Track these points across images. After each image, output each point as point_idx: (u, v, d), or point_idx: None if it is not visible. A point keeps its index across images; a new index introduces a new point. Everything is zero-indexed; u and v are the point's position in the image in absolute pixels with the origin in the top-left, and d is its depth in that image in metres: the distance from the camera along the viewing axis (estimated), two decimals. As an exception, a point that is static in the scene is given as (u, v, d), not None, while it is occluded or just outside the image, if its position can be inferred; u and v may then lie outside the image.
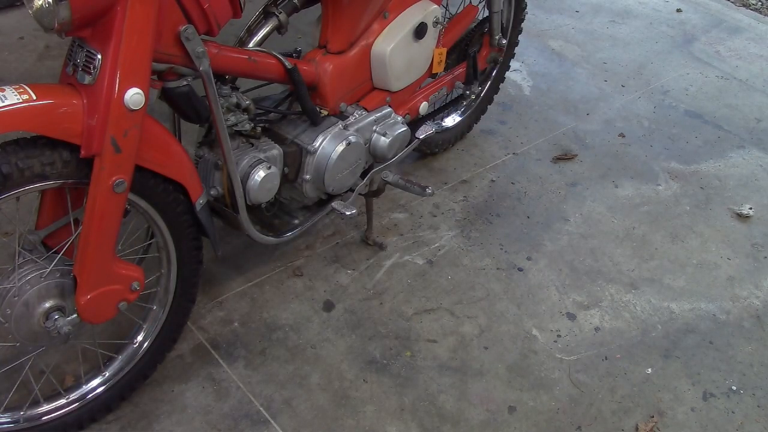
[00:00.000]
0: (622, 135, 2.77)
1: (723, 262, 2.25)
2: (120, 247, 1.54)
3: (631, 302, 2.09)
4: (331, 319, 1.97)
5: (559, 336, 1.98)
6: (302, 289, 2.04)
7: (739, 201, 2.48)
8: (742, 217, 2.42)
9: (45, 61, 2.79)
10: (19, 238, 1.50)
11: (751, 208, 2.44)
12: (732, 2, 3.91)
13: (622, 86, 3.05)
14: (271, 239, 1.87)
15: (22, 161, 1.31)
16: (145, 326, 1.70)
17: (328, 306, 2.00)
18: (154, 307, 1.70)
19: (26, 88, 1.31)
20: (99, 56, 1.32)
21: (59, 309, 1.47)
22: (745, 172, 2.63)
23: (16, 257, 1.46)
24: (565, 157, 2.63)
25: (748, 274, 2.22)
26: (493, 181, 2.49)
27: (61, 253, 1.47)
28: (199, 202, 1.58)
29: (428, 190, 2.06)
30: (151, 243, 1.66)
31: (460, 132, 2.59)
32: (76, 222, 1.48)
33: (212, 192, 1.72)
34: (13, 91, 1.30)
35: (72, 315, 1.48)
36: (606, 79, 3.09)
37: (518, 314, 2.03)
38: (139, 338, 1.70)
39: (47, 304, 1.46)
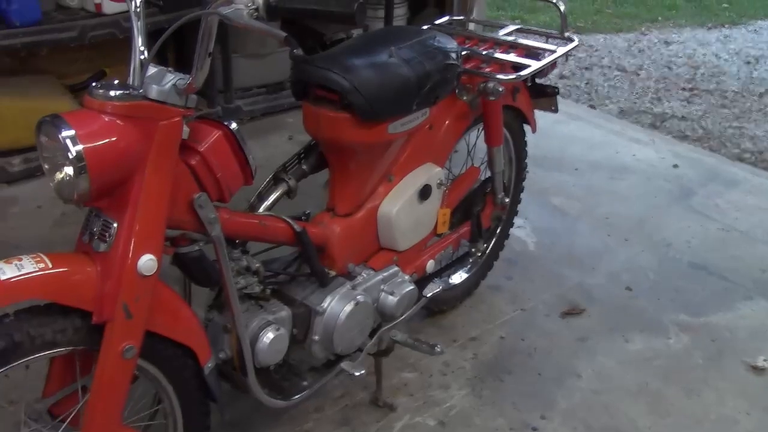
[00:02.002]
0: (628, 288, 2.78)
1: (741, 417, 2.19)
2: (126, 414, 1.52)
3: (651, 462, 2.03)
4: (341, 486, 1.90)
5: (578, 500, 1.90)
6: (311, 453, 1.99)
7: (752, 353, 2.45)
8: (757, 370, 2.38)
9: (61, 228, 2.87)
10: (25, 406, 1.49)
11: (765, 360, 2.41)
12: (726, 157, 4.04)
13: (625, 240, 3.10)
14: (279, 402, 1.84)
15: (34, 329, 1.32)
16: (149, 496, 1.65)
17: (338, 472, 1.94)
18: (159, 476, 1.65)
19: (43, 257, 1.35)
20: (115, 225, 1.37)
21: (63, 479, 1.44)
22: (755, 323, 2.62)
23: (21, 427, 1.44)
24: (573, 312, 2.63)
25: (767, 430, 2.16)
26: (502, 337, 2.48)
27: (67, 421, 1.45)
28: (208, 366, 1.58)
29: (437, 349, 2.05)
30: (158, 409, 1.64)
31: (468, 289, 2.61)
32: (84, 389, 1.47)
33: (221, 355, 1.72)
34: (30, 260, 1.33)
35: (75, 485, 1.44)
36: (609, 233, 3.15)
37: (534, 477, 1.96)
38: None
39: (50, 475, 1.42)
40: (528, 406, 2.19)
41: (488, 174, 2.45)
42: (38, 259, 1.34)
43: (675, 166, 3.78)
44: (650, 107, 4.72)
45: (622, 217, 3.28)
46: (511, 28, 2.56)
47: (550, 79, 2.46)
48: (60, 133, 1.29)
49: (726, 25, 6.60)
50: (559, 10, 2.42)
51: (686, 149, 4.05)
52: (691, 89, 5.05)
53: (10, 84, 3.24)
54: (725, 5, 7.16)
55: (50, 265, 1.34)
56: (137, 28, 1.36)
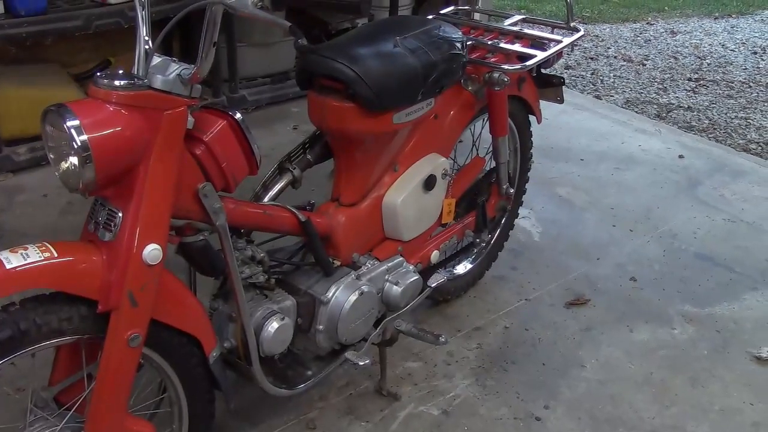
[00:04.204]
0: (633, 279, 2.78)
1: (746, 408, 2.19)
2: (131, 402, 1.52)
3: (655, 452, 2.03)
4: (345, 475, 1.91)
5: (581, 489, 1.91)
6: (315, 442, 2.00)
7: (757, 344, 2.45)
8: (761, 361, 2.38)
9: (67, 216, 2.88)
10: (32, 394, 1.50)
11: (770, 351, 2.41)
12: (732, 147, 4.02)
13: (631, 231, 3.10)
14: (284, 391, 1.85)
15: (40, 317, 1.33)
16: (155, 485, 1.66)
17: (342, 460, 1.95)
18: (165, 464, 1.66)
19: (48, 245, 1.36)
20: (120, 214, 1.37)
21: (69, 467, 1.45)
22: (760, 314, 2.61)
23: (28, 414, 1.45)
24: (577, 302, 2.63)
25: (773, 420, 2.16)
26: (506, 327, 2.48)
27: (73, 409, 1.46)
28: (213, 354, 1.59)
29: (442, 339, 2.05)
30: (163, 397, 1.65)
31: (472, 279, 2.61)
32: (89, 377, 1.48)
33: (226, 344, 1.72)
34: (36, 249, 1.34)
35: (82, 473, 1.44)
36: (614, 224, 3.14)
37: (538, 466, 1.97)
38: (149, 497, 1.65)
39: (57, 463, 1.43)
40: (532, 396, 2.20)
41: (493, 164, 2.45)
42: (44, 248, 1.35)
43: (681, 156, 3.77)
44: (656, 97, 4.71)
45: (628, 208, 3.27)
46: (517, 18, 2.55)
47: (556, 70, 2.45)
48: (65, 122, 1.29)
49: (733, 15, 6.57)
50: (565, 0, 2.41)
51: (692, 140, 4.04)
52: (697, 79, 5.03)
53: (16, 73, 3.24)
54: (733, -5, 7.14)
55: (56, 254, 1.34)
56: (142, 17, 1.36)
